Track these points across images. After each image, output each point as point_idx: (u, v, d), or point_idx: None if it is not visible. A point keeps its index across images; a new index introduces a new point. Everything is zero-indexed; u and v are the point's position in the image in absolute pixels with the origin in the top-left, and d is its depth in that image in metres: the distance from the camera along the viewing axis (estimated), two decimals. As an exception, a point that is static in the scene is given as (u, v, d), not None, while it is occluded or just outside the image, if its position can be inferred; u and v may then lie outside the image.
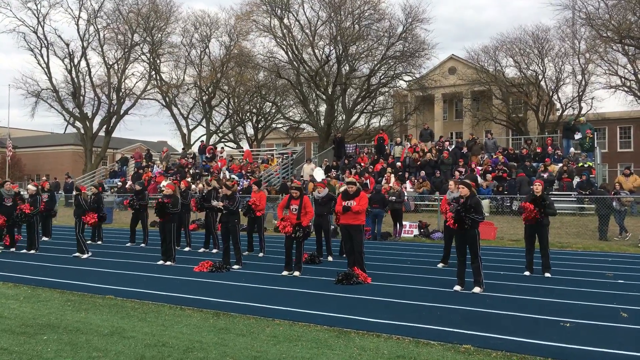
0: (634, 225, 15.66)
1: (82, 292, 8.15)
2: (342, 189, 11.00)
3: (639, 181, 17.32)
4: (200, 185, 15.60)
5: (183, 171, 26.33)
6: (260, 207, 12.12)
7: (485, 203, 18.62)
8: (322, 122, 36.86)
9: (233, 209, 10.46)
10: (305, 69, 35.51)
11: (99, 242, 15.05)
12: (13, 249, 13.39)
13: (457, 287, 8.20)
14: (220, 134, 44.99)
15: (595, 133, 22.65)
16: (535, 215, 9.45)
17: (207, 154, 29.17)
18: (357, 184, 9.70)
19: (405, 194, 18.07)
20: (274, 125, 47.33)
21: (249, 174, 24.71)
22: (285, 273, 9.68)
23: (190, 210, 14.35)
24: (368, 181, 21.39)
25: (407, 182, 21.07)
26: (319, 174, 23.19)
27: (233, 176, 24.83)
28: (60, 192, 26.49)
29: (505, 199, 18.64)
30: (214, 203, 10.92)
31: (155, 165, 29.11)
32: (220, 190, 11.50)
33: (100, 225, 15.13)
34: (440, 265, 10.68)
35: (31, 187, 13.70)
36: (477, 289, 8.02)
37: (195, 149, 34.56)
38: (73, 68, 38.85)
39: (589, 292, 8.13)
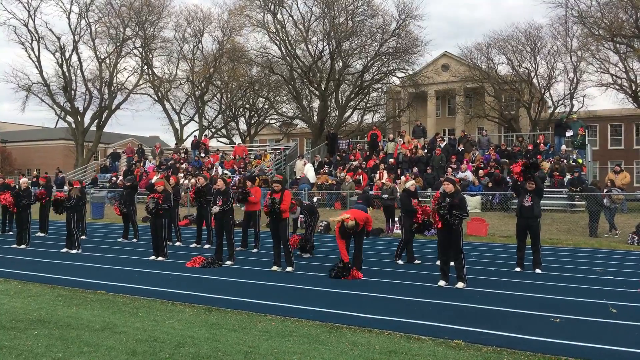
0: (623, 223, 15.79)
1: (73, 287, 8.11)
2: (407, 184, 10.98)
3: (628, 178, 17.48)
4: (194, 180, 15.56)
5: (175, 166, 26.23)
6: (256, 200, 12.09)
7: (476, 199, 18.72)
8: (315, 118, 36.83)
9: (227, 207, 10.48)
10: (299, 65, 35.44)
11: (83, 237, 14.82)
12: None
13: (442, 282, 8.28)
14: (213, 129, 44.84)
15: (587, 131, 22.79)
16: (521, 172, 9.50)
17: (201, 148, 29.05)
18: (354, 227, 8.99)
19: (398, 189, 18.11)
20: (267, 121, 47.22)
21: (241, 170, 24.66)
22: (275, 268, 9.67)
23: (180, 205, 14.30)
24: (361, 177, 21.43)
25: (403, 177, 21.09)
26: (310, 171, 23.20)
27: (226, 172, 24.78)
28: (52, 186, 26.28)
29: (495, 196, 18.71)
30: (212, 209, 10.80)
31: (147, 161, 28.97)
32: (215, 185, 11.38)
33: (83, 219, 14.82)
34: (439, 262, 10.53)
35: (25, 179, 13.90)
36: (460, 284, 8.11)
37: (187, 144, 34.42)
38: (64, 62, 38.52)
39: (579, 288, 8.20)
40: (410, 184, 11.20)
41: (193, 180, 22.66)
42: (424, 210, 10.05)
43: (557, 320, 6.20)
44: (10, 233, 15.84)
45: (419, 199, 11.32)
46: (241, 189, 12.16)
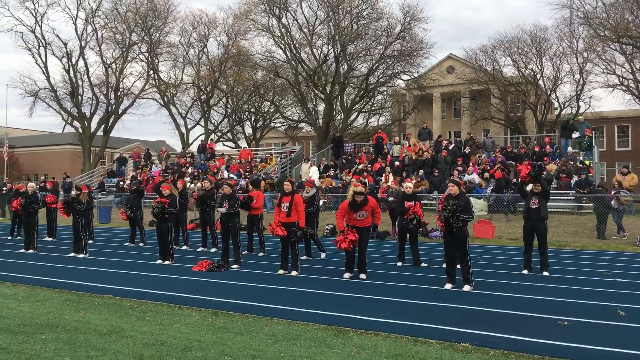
0: (631, 224, 15.69)
1: (80, 291, 8.15)
2: (404, 186, 11.00)
3: (635, 179, 17.35)
4: (199, 184, 15.62)
5: (181, 171, 26.32)
6: (257, 205, 12.06)
7: (483, 202, 18.64)
8: (321, 121, 36.84)
9: (234, 210, 10.49)
10: (304, 68, 35.49)
11: (90, 241, 14.90)
12: None
13: (448, 285, 8.26)
14: (219, 133, 44.98)
15: (594, 132, 22.67)
16: (527, 173, 9.52)
17: (207, 152, 29.15)
18: (364, 193, 9.09)
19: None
20: (272, 124, 47.31)
21: (247, 174, 24.71)
22: (280, 272, 9.67)
23: (187, 209, 14.34)
24: (367, 180, 21.42)
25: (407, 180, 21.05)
26: (316, 173, 23.22)
27: (232, 175, 24.85)
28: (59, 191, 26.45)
29: (502, 198, 18.63)
30: (218, 210, 10.79)
31: (153, 165, 29.10)
32: (222, 189, 11.41)
33: (91, 224, 14.87)
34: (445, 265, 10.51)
35: (32, 184, 14.01)
36: (467, 287, 8.08)
37: (193, 148, 34.55)
38: (71, 67, 38.78)
39: (587, 291, 8.15)
40: (406, 186, 11.22)
41: (199, 184, 22.81)
42: (412, 209, 10.22)
43: (565, 323, 6.16)
44: (18, 238, 15.95)
45: (422, 201, 11.37)
46: (245, 195, 12.16)
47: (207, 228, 13.36)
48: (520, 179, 9.96)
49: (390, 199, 16.37)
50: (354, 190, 8.97)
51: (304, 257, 11.70)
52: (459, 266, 8.37)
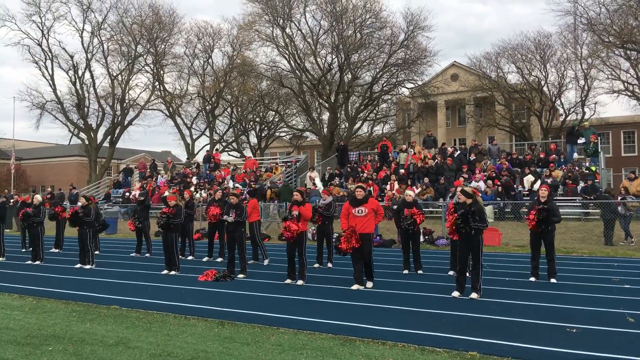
0: (639, 230, 15.57)
1: (87, 302, 8.16)
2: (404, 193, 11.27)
3: (643, 185, 17.21)
4: (205, 195, 15.64)
5: (186, 181, 26.38)
6: (252, 213, 12.02)
7: (489, 209, 18.57)
8: (325, 130, 36.94)
9: (241, 219, 10.50)
10: (308, 78, 35.64)
11: (96, 252, 14.93)
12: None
13: (456, 293, 8.20)
14: (224, 143, 45.15)
15: (599, 138, 22.59)
16: (537, 224, 9.48)
17: (211, 163, 29.23)
18: (364, 187, 9.61)
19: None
20: (277, 134, 47.45)
21: (252, 183, 24.74)
22: (288, 281, 9.66)
23: (194, 219, 14.35)
24: (372, 188, 21.39)
25: (413, 187, 20.99)
26: (317, 182, 23.27)
27: (237, 185, 24.88)
28: (65, 202, 26.56)
29: (507, 205, 18.56)
30: (225, 218, 10.79)
31: (159, 176, 29.20)
32: (228, 198, 11.43)
33: (96, 235, 14.91)
34: (451, 273, 10.39)
35: (38, 196, 14.07)
36: (474, 295, 8.03)
37: (199, 158, 34.67)
38: (77, 80, 39.14)
39: (595, 298, 8.08)
40: (407, 194, 11.33)
41: (204, 194, 22.87)
42: (410, 212, 10.50)
43: (574, 331, 6.11)
44: (23, 250, 16.03)
45: (428, 209, 11.41)
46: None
47: (214, 238, 13.36)
48: (530, 228, 9.87)
49: (395, 207, 16.35)
50: (356, 186, 9.52)
51: (316, 265, 11.70)
52: (468, 274, 8.32)
